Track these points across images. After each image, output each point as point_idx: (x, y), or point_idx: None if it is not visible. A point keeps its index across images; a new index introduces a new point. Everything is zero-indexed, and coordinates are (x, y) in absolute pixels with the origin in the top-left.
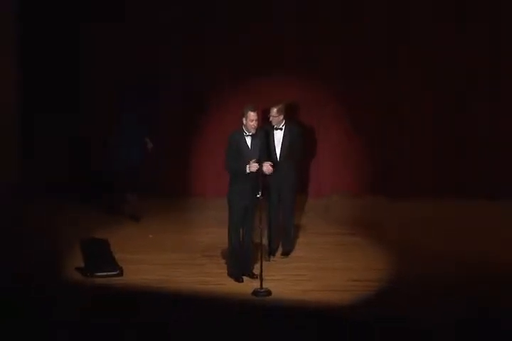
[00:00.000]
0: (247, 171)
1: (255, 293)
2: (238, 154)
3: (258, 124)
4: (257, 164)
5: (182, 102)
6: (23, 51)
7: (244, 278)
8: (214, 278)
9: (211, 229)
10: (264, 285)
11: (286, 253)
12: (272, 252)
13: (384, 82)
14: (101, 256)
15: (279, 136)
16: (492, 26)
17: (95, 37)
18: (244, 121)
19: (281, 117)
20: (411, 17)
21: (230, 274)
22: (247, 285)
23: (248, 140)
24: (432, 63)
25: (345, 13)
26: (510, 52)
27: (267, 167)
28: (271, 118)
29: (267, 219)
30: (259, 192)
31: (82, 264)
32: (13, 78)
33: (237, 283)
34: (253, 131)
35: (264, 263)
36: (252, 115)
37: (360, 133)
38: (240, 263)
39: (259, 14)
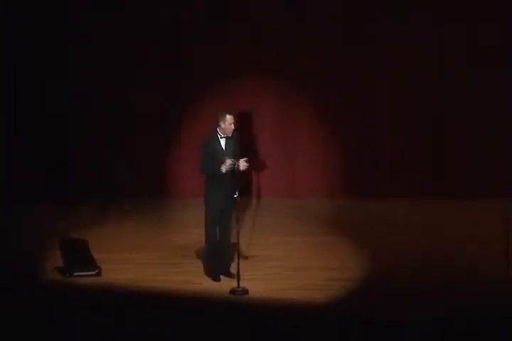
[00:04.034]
0: (223, 170)
1: (232, 291)
2: (213, 157)
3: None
4: (231, 161)
5: (160, 103)
6: None
7: (222, 277)
8: (192, 278)
9: (188, 229)
10: (241, 285)
11: None
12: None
13: (358, 84)
14: (80, 256)
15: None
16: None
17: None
18: (222, 125)
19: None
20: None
21: (208, 274)
22: (225, 285)
23: (222, 142)
24: (403, 63)
25: (323, 13)
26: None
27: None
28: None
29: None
30: (236, 193)
31: (61, 264)
32: None
33: (214, 282)
34: (230, 134)
35: (241, 262)
36: (230, 118)
37: (334, 134)
38: (217, 263)
39: (236, 15)
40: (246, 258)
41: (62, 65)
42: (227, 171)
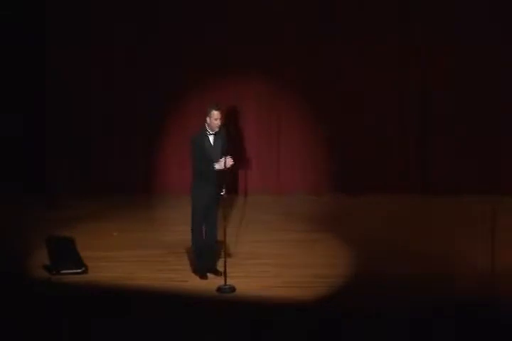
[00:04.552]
0: (216, 168)
1: (219, 289)
2: (203, 153)
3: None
4: (224, 159)
5: (147, 102)
6: None
7: (209, 274)
8: (178, 275)
9: (175, 226)
10: (228, 282)
11: None
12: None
13: (343, 83)
14: (66, 254)
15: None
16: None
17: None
18: (208, 120)
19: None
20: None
21: (195, 271)
22: (211, 282)
23: (211, 138)
24: (387, 64)
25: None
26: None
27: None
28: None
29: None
30: (223, 190)
31: (48, 262)
32: None
33: (201, 280)
34: (217, 130)
35: (228, 260)
36: (215, 114)
37: (320, 132)
38: (204, 261)
39: (223, 13)
40: (230, 256)
41: (41, 63)
42: (218, 168)
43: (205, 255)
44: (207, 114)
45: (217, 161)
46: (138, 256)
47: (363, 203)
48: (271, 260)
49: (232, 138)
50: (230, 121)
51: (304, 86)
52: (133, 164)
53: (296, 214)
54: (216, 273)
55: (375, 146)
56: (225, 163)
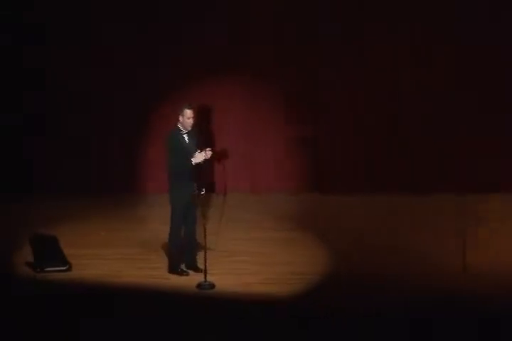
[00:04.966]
0: (195, 162)
1: (199, 286)
2: (180, 151)
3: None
4: (201, 153)
5: (130, 104)
6: None
7: (190, 271)
8: (160, 273)
9: (154, 225)
10: (208, 279)
11: None
12: None
13: (318, 82)
14: (50, 252)
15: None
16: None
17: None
18: (181, 119)
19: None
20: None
21: (174, 269)
22: (192, 279)
23: (185, 137)
24: (358, 63)
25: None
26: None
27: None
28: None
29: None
30: (203, 189)
31: (31, 259)
32: None
33: (181, 277)
34: (189, 129)
35: (208, 257)
36: (188, 113)
37: (296, 131)
38: (184, 258)
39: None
40: (210, 249)
41: (18, 65)
42: (196, 164)
43: (186, 253)
44: (180, 113)
45: (195, 155)
46: (120, 254)
47: (340, 202)
48: (250, 258)
49: (206, 137)
50: (210, 119)
51: (284, 86)
52: (111, 165)
53: (274, 213)
54: (196, 269)
55: (353, 146)
56: (205, 154)
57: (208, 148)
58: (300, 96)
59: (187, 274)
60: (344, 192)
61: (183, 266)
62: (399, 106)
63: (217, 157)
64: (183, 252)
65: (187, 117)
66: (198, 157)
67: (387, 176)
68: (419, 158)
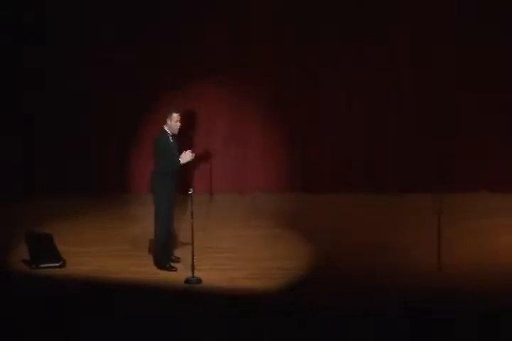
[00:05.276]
0: (182, 163)
1: (187, 281)
2: (168, 153)
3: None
4: (188, 154)
5: (118, 105)
6: None
7: (177, 267)
8: (149, 269)
9: (145, 223)
10: (195, 274)
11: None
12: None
13: (303, 83)
14: (45, 249)
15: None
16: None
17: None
18: (168, 122)
19: None
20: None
21: (162, 265)
22: (180, 274)
23: (171, 139)
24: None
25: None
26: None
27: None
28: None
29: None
30: (191, 189)
31: (27, 257)
32: None
33: (170, 272)
34: (176, 132)
35: (195, 253)
36: (176, 116)
37: (280, 133)
38: (169, 254)
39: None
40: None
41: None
42: (182, 164)
43: (170, 247)
44: (168, 116)
45: (181, 157)
46: (112, 250)
47: (323, 201)
48: (235, 254)
49: (193, 138)
50: (196, 123)
51: (270, 88)
52: (104, 165)
53: (261, 212)
54: (177, 259)
55: (334, 147)
56: (191, 155)
57: (189, 150)
58: (288, 97)
59: (175, 270)
60: (330, 191)
61: (170, 262)
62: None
63: (201, 158)
64: (168, 248)
65: (175, 121)
66: (185, 157)
67: (367, 176)
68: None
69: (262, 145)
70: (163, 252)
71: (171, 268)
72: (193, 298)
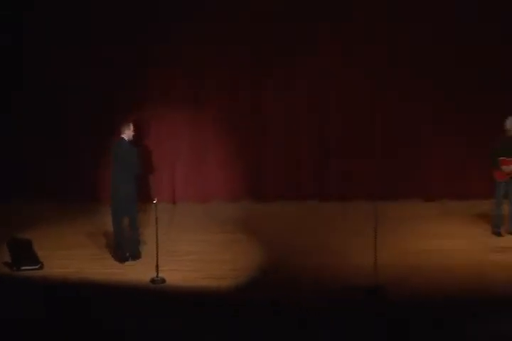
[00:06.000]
0: (138, 170)
1: (152, 280)
2: (126, 159)
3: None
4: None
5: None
6: None
7: (142, 268)
8: (118, 270)
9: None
10: (159, 275)
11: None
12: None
13: (254, 91)
14: (25, 253)
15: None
16: None
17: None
18: (127, 132)
19: None
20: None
21: (120, 260)
22: (145, 275)
23: (128, 146)
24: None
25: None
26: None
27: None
28: (132, 133)
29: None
30: (155, 198)
31: (9, 260)
32: None
33: (136, 272)
34: (132, 139)
35: (159, 255)
36: (132, 126)
37: (236, 143)
38: (126, 247)
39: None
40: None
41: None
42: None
43: (129, 244)
44: (126, 126)
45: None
46: (86, 254)
47: (276, 209)
48: (197, 256)
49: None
50: (154, 132)
51: (227, 97)
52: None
53: (219, 218)
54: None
55: (286, 155)
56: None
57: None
58: (243, 106)
59: (127, 260)
60: (281, 199)
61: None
62: (328, 115)
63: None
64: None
65: (132, 130)
66: (140, 165)
67: (315, 183)
68: (345, 166)
69: (221, 158)
70: (118, 248)
71: (123, 261)
72: (158, 295)
